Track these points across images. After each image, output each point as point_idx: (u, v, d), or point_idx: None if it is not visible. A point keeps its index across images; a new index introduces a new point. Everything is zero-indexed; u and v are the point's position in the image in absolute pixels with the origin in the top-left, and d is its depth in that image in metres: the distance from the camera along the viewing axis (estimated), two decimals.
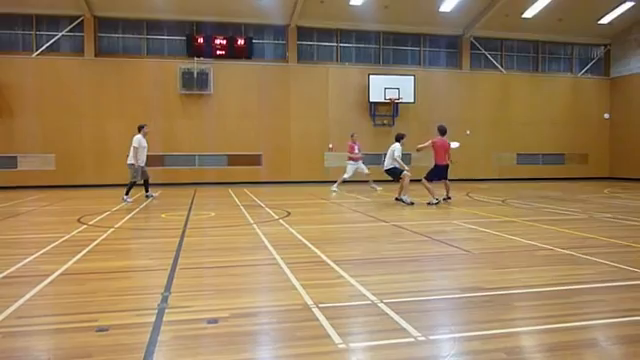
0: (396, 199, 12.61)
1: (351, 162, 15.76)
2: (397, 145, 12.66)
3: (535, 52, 23.90)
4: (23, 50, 19.28)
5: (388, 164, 12.71)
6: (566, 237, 7.33)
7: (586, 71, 24.30)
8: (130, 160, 13.11)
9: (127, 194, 12.98)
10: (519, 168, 23.15)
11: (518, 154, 23.28)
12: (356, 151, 15.76)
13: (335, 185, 15.74)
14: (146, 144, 13.49)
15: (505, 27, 22.16)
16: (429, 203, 11.87)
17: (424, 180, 12.15)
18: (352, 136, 16.03)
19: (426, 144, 12.41)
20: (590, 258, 5.81)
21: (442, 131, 12.53)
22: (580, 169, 23.79)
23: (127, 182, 13.31)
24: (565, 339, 3.37)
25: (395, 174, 12.61)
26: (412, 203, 11.96)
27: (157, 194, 14.62)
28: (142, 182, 13.60)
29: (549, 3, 20.36)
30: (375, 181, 15.83)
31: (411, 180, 12.26)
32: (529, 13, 21.18)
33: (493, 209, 11.15)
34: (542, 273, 5.17)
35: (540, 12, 20.99)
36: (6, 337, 3.43)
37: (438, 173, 12.39)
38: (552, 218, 9.51)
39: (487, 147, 22.57)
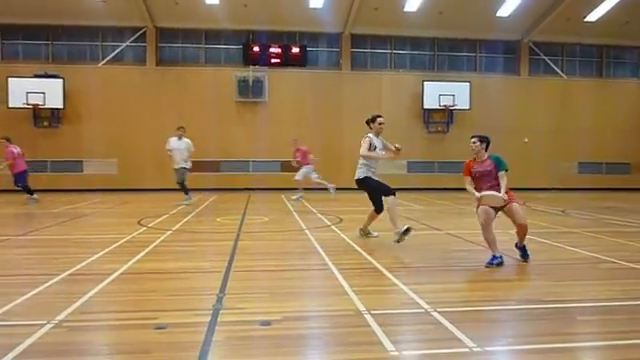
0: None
1: (304, 167, 15.74)
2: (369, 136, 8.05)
3: (599, 57, 22.92)
4: (90, 60, 20.30)
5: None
6: (631, 250, 6.95)
7: None
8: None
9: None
10: (580, 177, 22.16)
11: (579, 163, 22.32)
12: (298, 158, 15.71)
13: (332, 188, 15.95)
14: None
15: (566, 31, 21.37)
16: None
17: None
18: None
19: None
20: None
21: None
22: None
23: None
24: (631, 357, 3.21)
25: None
26: None
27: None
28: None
29: (615, 5, 19.50)
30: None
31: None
32: (593, 16, 20.36)
33: (552, 219, 10.72)
34: (605, 287, 4.93)
35: (605, 15, 20.13)
36: (71, 331, 3.61)
37: None
38: (616, 230, 9.05)
39: (546, 155, 21.74)
